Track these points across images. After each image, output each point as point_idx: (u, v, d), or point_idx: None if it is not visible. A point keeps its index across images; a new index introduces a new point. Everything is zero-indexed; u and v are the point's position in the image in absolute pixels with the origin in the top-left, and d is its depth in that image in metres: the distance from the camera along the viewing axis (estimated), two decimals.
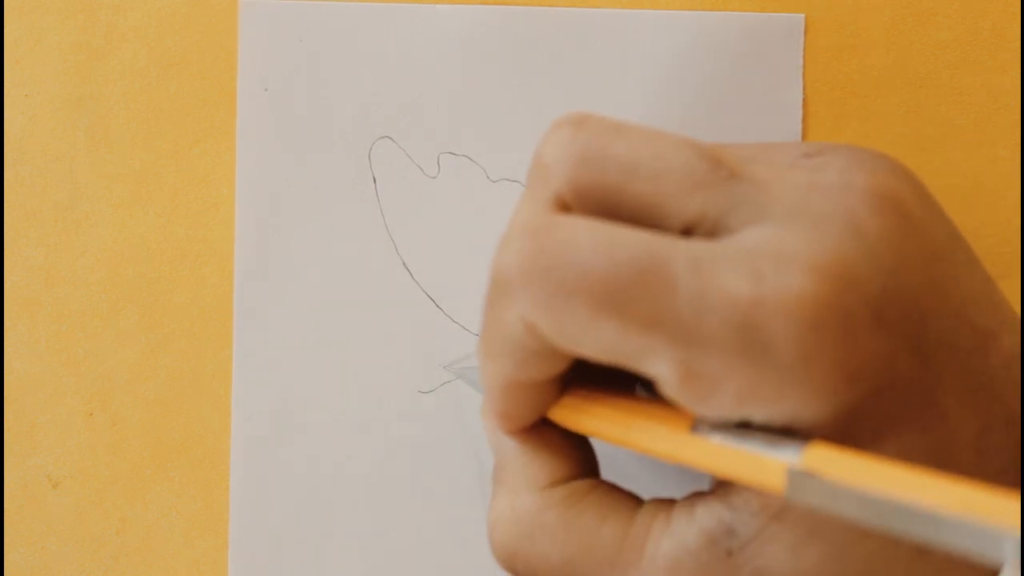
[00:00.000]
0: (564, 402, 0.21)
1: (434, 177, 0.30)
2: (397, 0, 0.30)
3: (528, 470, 0.21)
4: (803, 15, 0.29)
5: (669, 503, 0.20)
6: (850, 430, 0.17)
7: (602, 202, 0.18)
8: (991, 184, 0.30)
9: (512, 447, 0.21)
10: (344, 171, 0.30)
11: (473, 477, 0.30)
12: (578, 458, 0.21)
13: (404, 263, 0.30)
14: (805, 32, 0.29)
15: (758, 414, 0.17)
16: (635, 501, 0.20)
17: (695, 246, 0.17)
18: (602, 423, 0.20)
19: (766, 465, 0.16)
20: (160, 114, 0.30)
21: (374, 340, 0.30)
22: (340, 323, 0.30)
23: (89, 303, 0.30)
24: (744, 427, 0.17)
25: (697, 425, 0.18)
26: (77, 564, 0.30)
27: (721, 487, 0.19)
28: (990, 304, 0.18)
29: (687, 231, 0.18)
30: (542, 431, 0.21)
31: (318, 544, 0.30)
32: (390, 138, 0.30)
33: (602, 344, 0.17)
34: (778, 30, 0.29)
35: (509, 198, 0.30)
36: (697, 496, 0.19)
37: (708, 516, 0.18)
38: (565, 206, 0.19)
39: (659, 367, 0.17)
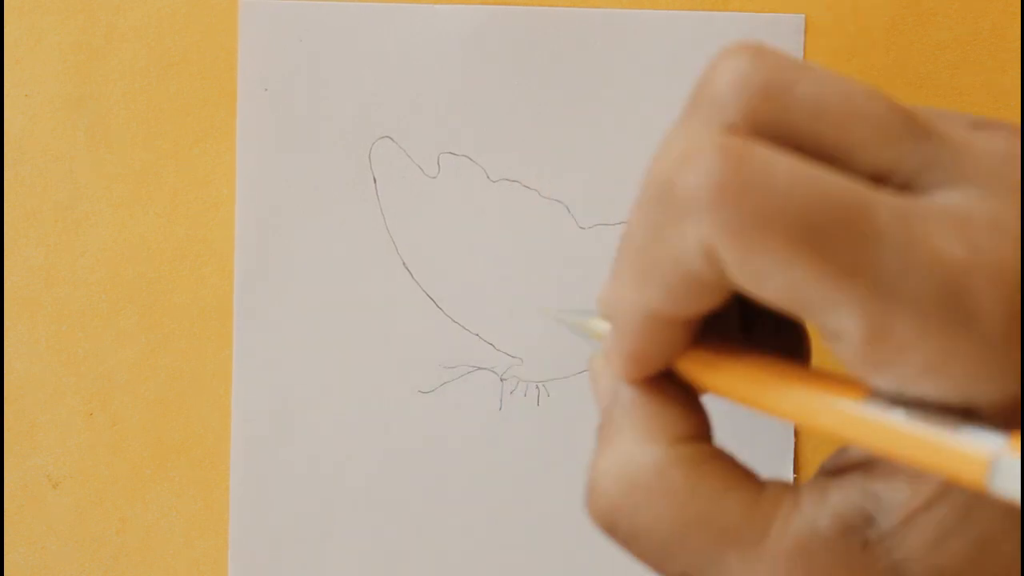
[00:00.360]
0: (694, 355, 0.19)
1: (434, 177, 0.30)
2: (397, 0, 0.30)
3: (652, 422, 0.19)
4: (803, 15, 0.29)
5: (796, 485, 0.18)
6: None
7: (780, 139, 0.17)
8: None
9: (632, 396, 0.19)
10: (344, 171, 0.30)
11: (473, 477, 0.30)
12: (701, 418, 0.20)
13: (404, 263, 0.30)
14: (805, 32, 0.29)
15: (943, 389, 0.16)
16: (758, 478, 0.19)
17: (898, 198, 0.16)
18: (748, 385, 0.18)
19: (962, 452, 0.15)
20: (160, 114, 0.30)
21: (374, 340, 0.30)
22: (340, 323, 0.30)
23: (89, 303, 0.30)
24: (924, 405, 0.16)
25: (872, 399, 0.16)
26: (77, 564, 0.30)
27: (859, 468, 0.18)
28: None
29: (874, 181, 0.17)
30: (664, 384, 0.20)
31: (318, 544, 0.30)
32: (390, 138, 0.30)
33: (788, 285, 0.16)
34: (778, 30, 0.29)
35: (509, 198, 0.30)
36: (829, 478, 0.18)
37: (844, 501, 0.17)
38: (742, 138, 0.17)
39: (845, 321, 0.16)
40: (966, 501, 0.16)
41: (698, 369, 0.19)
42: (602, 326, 0.23)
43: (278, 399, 0.30)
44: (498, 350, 0.30)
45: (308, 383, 0.30)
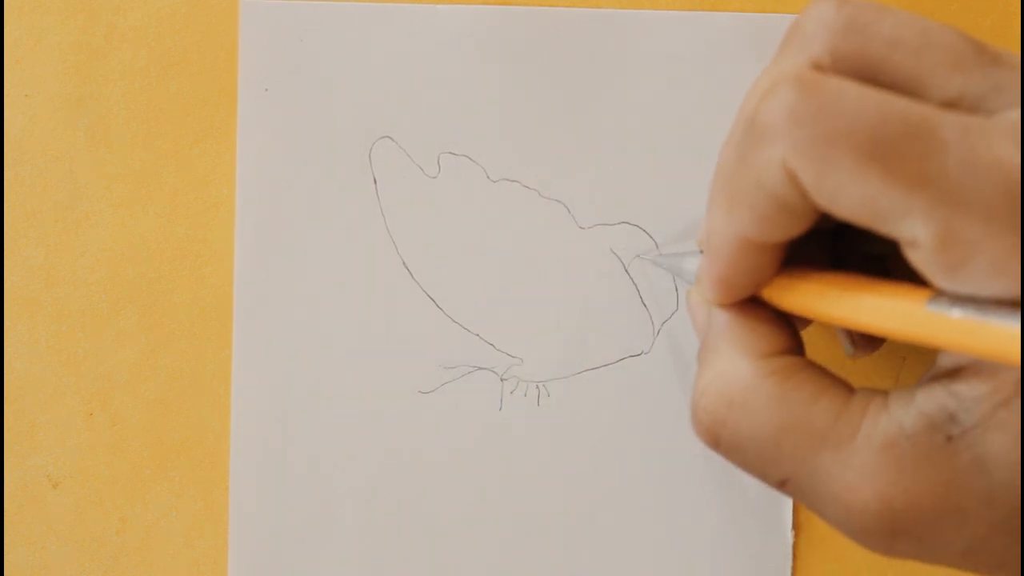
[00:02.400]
0: (779, 281, 0.21)
1: (434, 177, 0.30)
2: (397, 0, 0.30)
3: (745, 339, 0.21)
4: None
5: (885, 391, 0.20)
6: None
7: (860, 72, 0.18)
8: None
9: (725, 319, 0.21)
10: (344, 171, 0.30)
11: (473, 477, 0.30)
12: (791, 335, 0.21)
13: (404, 263, 0.30)
14: None
15: (1006, 286, 0.17)
16: (849, 386, 0.20)
17: (964, 116, 0.17)
18: (824, 299, 0.20)
19: (1018, 338, 0.16)
20: (160, 114, 0.30)
21: (374, 340, 0.30)
22: (340, 323, 0.30)
23: (89, 303, 0.30)
24: (979, 303, 0.17)
25: (935, 299, 0.18)
26: (77, 564, 0.30)
27: (945, 376, 0.19)
28: None
29: (947, 107, 0.18)
30: (754, 307, 0.21)
31: (318, 544, 0.30)
32: (390, 138, 0.30)
33: (861, 198, 0.17)
34: (778, 30, 0.29)
35: (509, 198, 0.30)
36: (916, 386, 0.19)
37: (929, 401, 0.18)
38: (821, 71, 0.19)
39: (916, 229, 0.17)
40: None
41: (781, 293, 0.21)
42: (694, 264, 0.25)
43: (278, 399, 0.30)
44: (498, 350, 0.30)
45: (308, 383, 0.30)
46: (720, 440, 0.21)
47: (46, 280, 0.30)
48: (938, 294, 0.18)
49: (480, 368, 0.30)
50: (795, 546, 0.30)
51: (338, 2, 0.29)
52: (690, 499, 0.29)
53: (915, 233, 0.17)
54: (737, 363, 0.21)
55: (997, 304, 0.17)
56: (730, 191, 0.20)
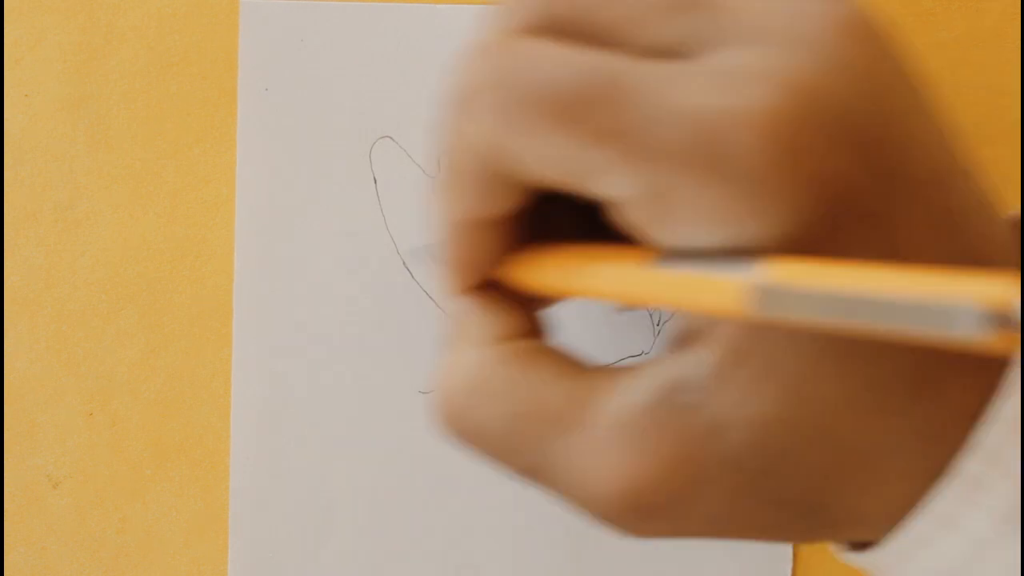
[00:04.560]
0: (518, 261, 0.20)
1: (434, 177, 0.30)
2: (397, 0, 0.30)
3: (479, 326, 0.20)
4: None
5: (620, 368, 0.19)
6: (812, 251, 0.16)
7: (563, 33, 0.18)
8: (991, 184, 0.30)
9: (463, 307, 0.20)
10: (344, 171, 0.30)
11: (473, 477, 0.30)
12: (531, 319, 0.20)
13: (404, 263, 0.30)
14: None
15: (719, 235, 0.16)
16: (585, 366, 0.19)
17: (657, 64, 0.17)
18: (559, 273, 0.19)
19: (729, 285, 0.16)
20: (160, 114, 0.30)
21: (374, 340, 0.30)
22: (340, 323, 0.30)
23: (89, 303, 0.30)
24: (707, 255, 0.17)
25: (662, 259, 0.17)
26: (77, 564, 0.30)
27: (677, 344, 0.18)
28: (947, 147, 0.18)
29: (650, 57, 0.17)
30: (495, 291, 0.20)
31: (318, 544, 0.30)
32: (390, 138, 0.30)
33: (558, 159, 0.17)
34: None
35: None
36: (648, 360, 0.19)
37: (659, 372, 0.18)
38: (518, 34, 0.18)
39: (616, 185, 0.17)
40: (768, 352, 0.17)
41: (518, 272, 0.20)
42: None
43: (278, 399, 0.30)
44: None
45: (308, 383, 0.30)
46: (462, 433, 0.19)
47: (46, 280, 0.30)
48: (668, 253, 0.17)
49: None
50: (796, 545, 0.30)
51: (338, 2, 0.29)
52: None
53: (616, 190, 0.17)
54: (472, 351, 0.20)
55: (723, 255, 0.16)
56: (444, 170, 0.19)
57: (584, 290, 0.19)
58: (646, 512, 0.18)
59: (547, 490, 0.19)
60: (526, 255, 0.20)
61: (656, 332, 0.29)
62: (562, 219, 0.21)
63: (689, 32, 0.17)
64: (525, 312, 0.20)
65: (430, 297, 0.30)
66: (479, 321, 0.20)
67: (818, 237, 0.16)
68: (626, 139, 0.16)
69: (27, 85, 0.30)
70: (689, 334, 0.18)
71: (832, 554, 0.30)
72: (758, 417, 0.17)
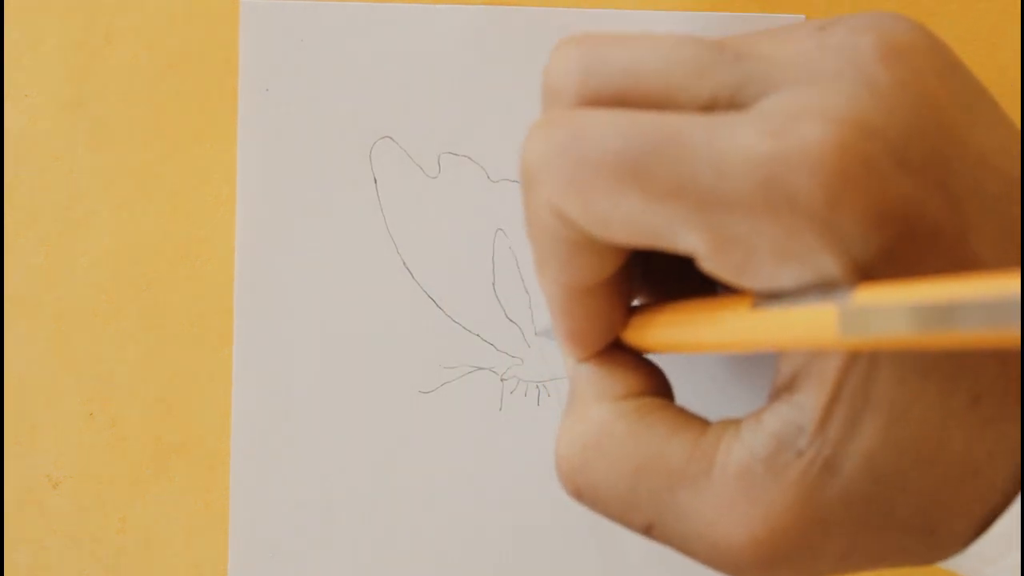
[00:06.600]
0: (633, 323, 0.21)
1: (434, 177, 0.30)
2: (397, 0, 0.30)
3: (600, 385, 0.20)
4: (803, 15, 0.29)
5: (738, 419, 0.19)
6: (888, 275, 0.16)
7: (618, 102, 0.18)
8: None
9: (585, 370, 0.21)
10: (344, 171, 0.30)
11: (473, 477, 0.30)
12: (652, 377, 0.21)
13: (404, 263, 0.30)
14: None
15: (799, 274, 0.17)
16: (705, 421, 0.20)
17: (711, 117, 0.17)
18: (668, 329, 0.20)
19: (818, 316, 0.16)
20: (160, 114, 0.30)
21: (374, 340, 0.30)
22: (340, 323, 0.30)
23: (89, 303, 0.30)
24: (797, 293, 0.17)
25: (756, 303, 0.17)
26: (77, 564, 0.30)
27: (785, 388, 0.18)
28: (1014, 155, 0.18)
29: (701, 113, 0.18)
30: (615, 353, 0.21)
31: (318, 544, 0.30)
32: (390, 138, 0.30)
33: (629, 221, 0.17)
34: None
35: (509, 198, 0.30)
36: (763, 407, 0.19)
37: (775, 419, 0.18)
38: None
39: (690, 239, 0.17)
40: (864, 382, 0.17)
41: (636, 335, 0.21)
42: None
43: (278, 399, 0.30)
44: (498, 350, 0.30)
45: (308, 383, 0.30)
46: (582, 491, 0.20)
47: (46, 280, 0.30)
48: (760, 296, 0.17)
49: (480, 368, 0.30)
50: None
51: (338, 2, 0.29)
52: None
53: (691, 244, 0.17)
54: (592, 409, 0.20)
55: (811, 291, 0.17)
56: (534, 250, 0.19)
57: (692, 344, 0.19)
58: (773, 561, 0.18)
59: (666, 543, 0.19)
60: (637, 314, 0.21)
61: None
62: (669, 269, 0.22)
63: (736, 84, 0.18)
64: (640, 368, 0.21)
65: (430, 297, 0.30)
66: (600, 380, 0.21)
67: (894, 260, 0.16)
68: (690, 193, 0.17)
69: (27, 85, 0.30)
70: (792, 379, 0.18)
71: None
72: (867, 448, 0.17)
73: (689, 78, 0.18)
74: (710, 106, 0.18)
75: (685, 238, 0.17)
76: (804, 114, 0.16)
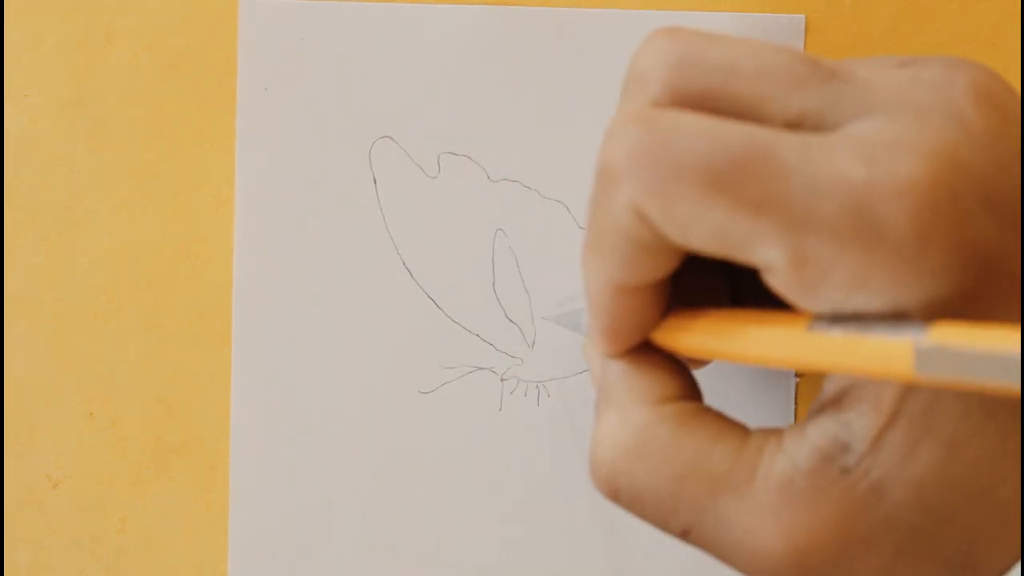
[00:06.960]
0: (668, 323, 0.21)
1: (434, 177, 0.30)
2: (397, 0, 0.30)
3: (639, 387, 0.20)
4: (803, 15, 0.29)
5: (780, 429, 0.19)
6: (963, 313, 0.17)
7: (700, 104, 0.18)
8: None
9: (619, 368, 0.21)
10: (344, 171, 0.30)
11: (473, 477, 0.30)
12: (686, 380, 0.21)
13: (404, 263, 0.30)
14: (805, 32, 0.29)
15: (871, 301, 0.17)
16: (745, 428, 0.20)
17: (804, 136, 0.17)
18: (711, 337, 0.19)
19: (892, 348, 0.16)
20: (160, 114, 0.30)
21: (374, 340, 0.30)
22: (340, 323, 0.30)
23: (89, 303, 0.30)
24: (860, 319, 0.17)
25: (813, 324, 0.17)
26: (77, 564, 0.30)
27: (831, 405, 0.19)
28: None
29: (790, 128, 0.18)
30: (648, 353, 0.21)
31: (318, 544, 0.30)
32: (390, 138, 0.30)
33: (711, 229, 0.17)
34: (778, 30, 0.29)
35: (509, 198, 0.30)
36: (808, 419, 0.19)
37: (820, 434, 0.18)
38: (659, 107, 0.19)
39: (769, 253, 0.17)
40: (925, 411, 0.17)
41: (671, 336, 0.20)
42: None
43: (278, 399, 0.30)
44: (498, 350, 0.30)
45: (308, 383, 0.30)
46: (619, 493, 0.20)
47: (46, 280, 0.30)
48: (819, 317, 0.17)
49: (480, 368, 0.30)
50: None
51: (338, 2, 0.29)
52: None
53: (768, 258, 0.17)
54: (631, 411, 0.20)
55: (877, 319, 0.17)
56: (593, 239, 0.20)
57: (734, 354, 0.19)
58: (815, 571, 0.18)
59: (703, 548, 0.20)
60: (675, 317, 0.21)
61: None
62: (704, 278, 0.22)
63: (827, 103, 0.18)
64: (674, 371, 0.21)
65: (430, 297, 0.30)
66: (638, 382, 0.20)
67: (972, 300, 0.17)
68: (778, 209, 0.17)
69: (27, 85, 0.30)
70: (843, 394, 0.18)
71: None
72: (919, 477, 0.17)
73: (781, 88, 0.18)
74: (798, 120, 0.18)
75: (765, 252, 0.17)
76: (898, 145, 0.17)
